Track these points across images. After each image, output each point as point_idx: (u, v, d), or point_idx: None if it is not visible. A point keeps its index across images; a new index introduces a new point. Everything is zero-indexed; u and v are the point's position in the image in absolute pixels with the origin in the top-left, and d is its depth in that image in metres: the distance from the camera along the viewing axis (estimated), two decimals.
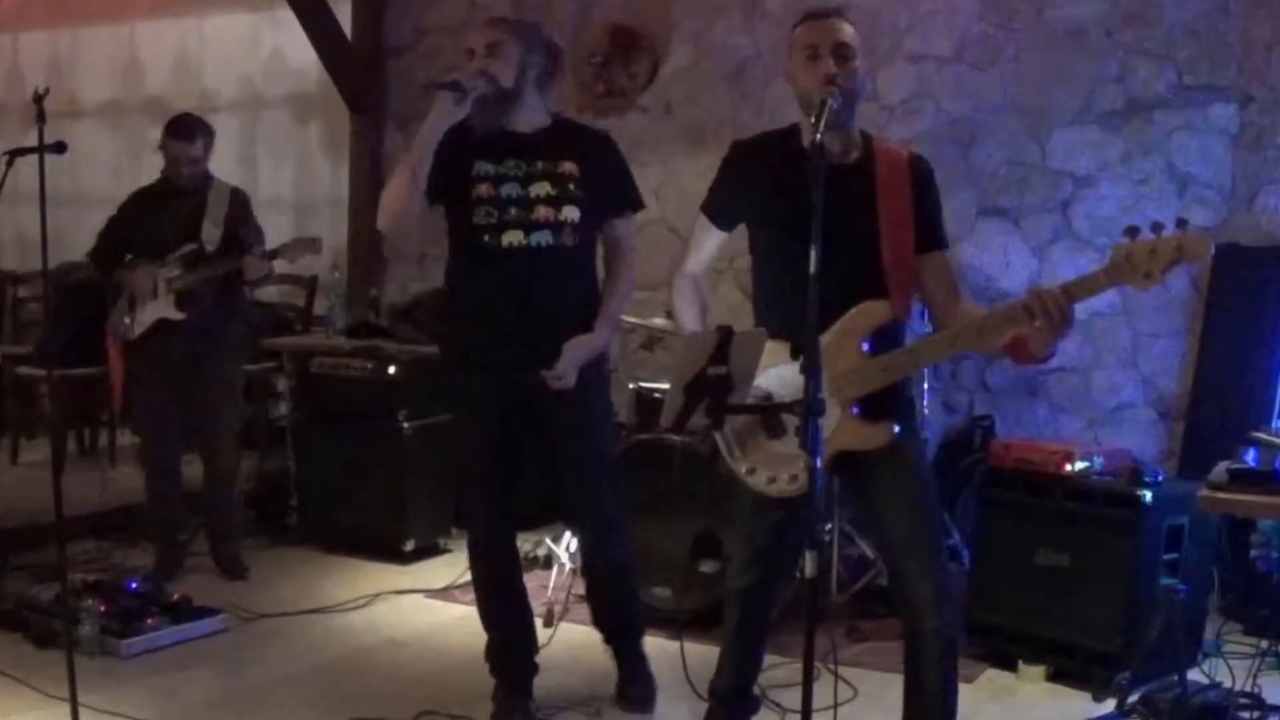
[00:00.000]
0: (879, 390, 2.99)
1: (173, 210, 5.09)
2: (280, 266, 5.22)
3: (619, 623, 4.07)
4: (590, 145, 3.77)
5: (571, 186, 3.66)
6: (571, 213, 3.65)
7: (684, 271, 3.32)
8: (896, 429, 3.00)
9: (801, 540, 2.90)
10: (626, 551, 3.99)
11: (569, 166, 3.66)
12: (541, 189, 3.64)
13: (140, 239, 5.11)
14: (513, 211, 3.63)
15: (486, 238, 3.63)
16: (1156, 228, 2.66)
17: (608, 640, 4.11)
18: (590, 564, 4.06)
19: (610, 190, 3.75)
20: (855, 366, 3.00)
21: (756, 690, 3.46)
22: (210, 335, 5.11)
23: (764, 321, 3.15)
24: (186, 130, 5.11)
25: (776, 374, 3.03)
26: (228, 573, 5.24)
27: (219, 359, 5.19)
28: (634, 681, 4.03)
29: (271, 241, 5.21)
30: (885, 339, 3.03)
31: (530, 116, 3.71)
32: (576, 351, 3.65)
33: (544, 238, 3.63)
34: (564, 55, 3.91)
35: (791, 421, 2.95)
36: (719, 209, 3.25)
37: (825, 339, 2.97)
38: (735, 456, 3.13)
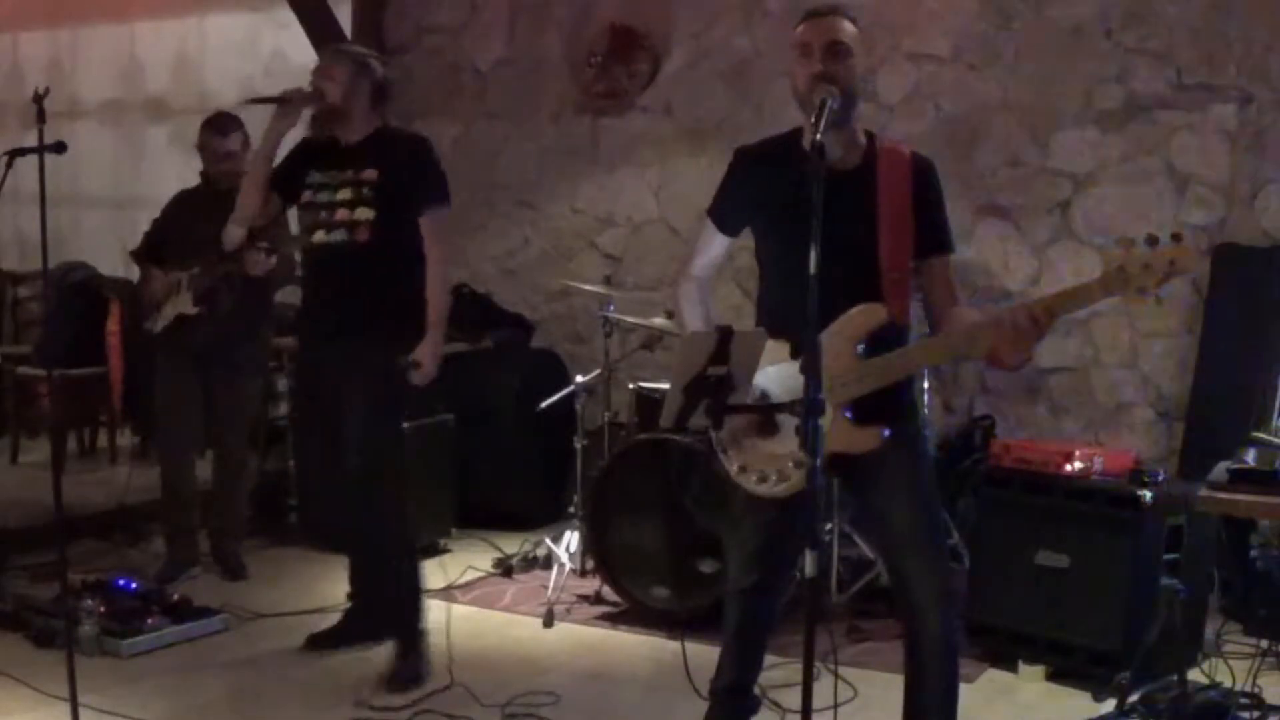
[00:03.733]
0: (874, 393, 2.99)
1: (206, 213, 5.10)
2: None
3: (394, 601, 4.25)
4: (395, 150, 4.16)
5: (365, 190, 4.08)
6: (365, 213, 4.06)
7: (689, 274, 3.31)
8: (886, 433, 2.98)
9: (800, 540, 2.90)
10: (402, 529, 4.29)
11: (370, 173, 4.09)
12: (344, 194, 4.11)
13: (176, 240, 5.20)
14: (322, 214, 4.14)
15: (311, 236, 4.17)
16: (1151, 240, 2.67)
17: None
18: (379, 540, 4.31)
19: (412, 188, 4.12)
20: (849, 368, 2.99)
21: (756, 690, 3.46)
22: (235, 337, 5.15)
23: (766, 323, 3.15)
24: (220, 125, 5.21)
25: (773, 373, 3.02)
26: (228, 572, 5.25)
27: (242, 362, 5.24)
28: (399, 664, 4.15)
29: None
30: (882, 341, 3.02)
31: (359, 128, 4.16)
32: (423, 359, 4.09)
33: (338, 235, 4.10)
34: (378, 68, 4.24)
35: (787, 421, 2.95)
36: (724, 214, 3.25)
37: (820, 340, 2.96)
38: (727, 455, 3.13)
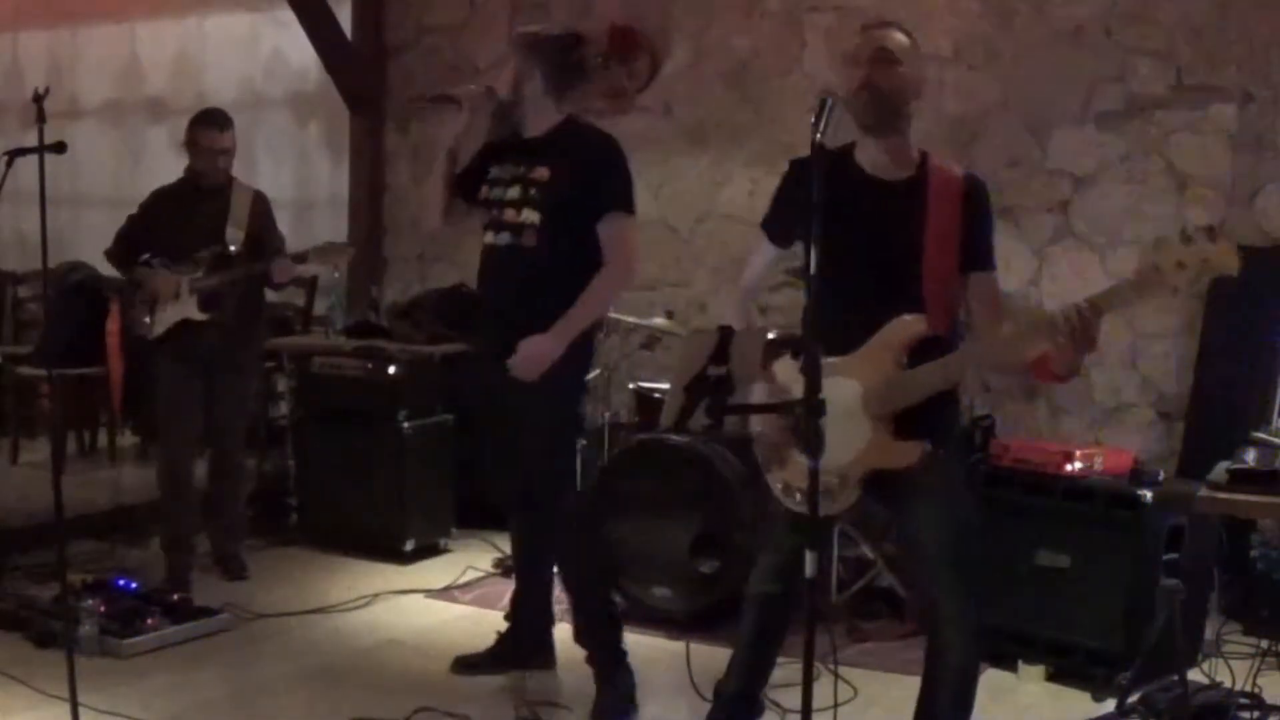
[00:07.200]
0: (914, 407, 2.95)
1: (196, 211, 5.07)
2: (307, 270, 5.20)
3: (581, 628, 3.97)
4: (575, 148, 3.80)
5: (533, 190, 3.76)
6: (530, 215, 3.74)
7: (739, 285, 3.36)
8: (928, 446, 2.96)
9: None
10: (582, 555, 3.95)
11: (541, 171, 3.76)
12: (513, 192, 3.80)
13: (162, 239, 5.07)
14: (494, 212, 3.85)
15: (484, 235, 3.89)
16: (1185, 239, 2.65)
17: (578, 642, 4.00)
18: (558, 565, 4.06)
19: (587, 192, 3.75)
20: (890, 380, 2.95)
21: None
22: (236, 338, 5.10)
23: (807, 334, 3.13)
24: (220, 119, 5.09)
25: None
26: (228, 572, 5.24)
27: (242, 363, 5.21)
28: (601, 696, 3.88)
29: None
30: (924, 354, 2.97)
31: (538, 120, 3.82)
32: (525, 351, 3.73)
33: (504, 238, 3.79)
34: (580, 48, 3.91)
35: (830, 437, 2.92)
36: (775, 227, 3.24)
37: (862, 352, 2.97)
38: (772, 472, 3.12)
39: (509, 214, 3.78)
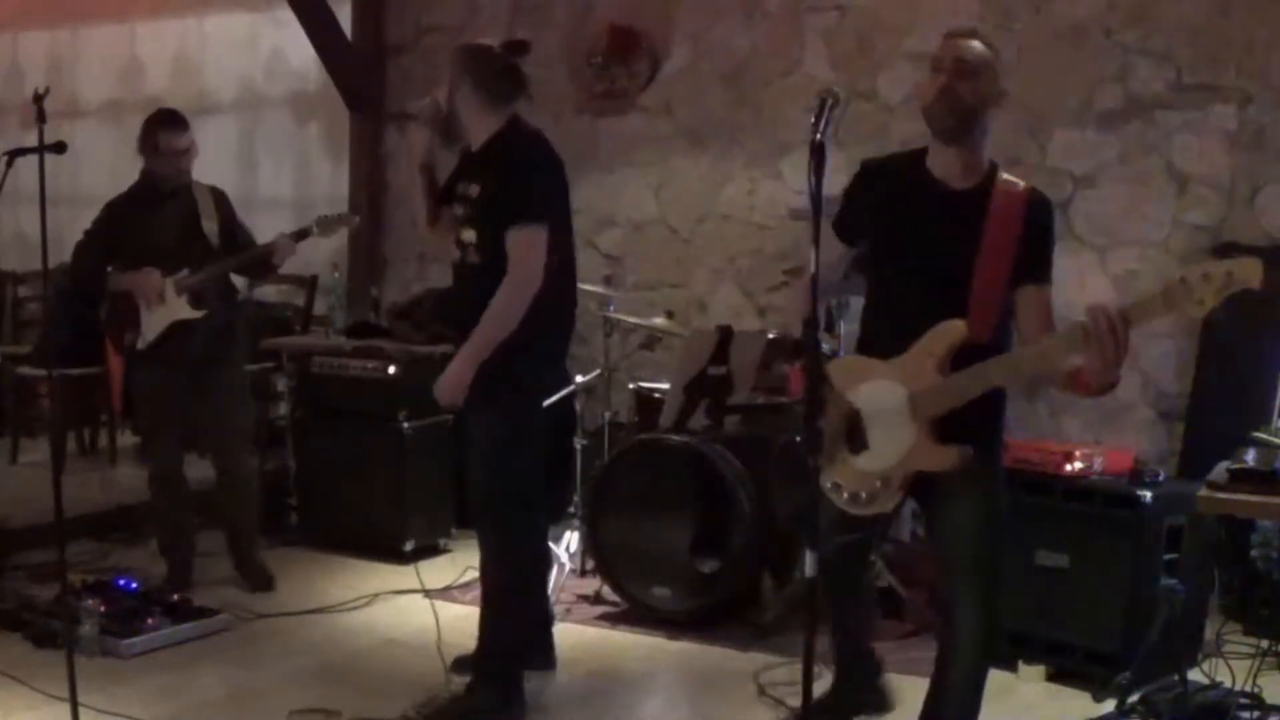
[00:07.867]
0: (957, 413, 2.97)
1: (161, 213, 4.95)
2: (304, 247, 5.12)
3: (481, 639, 3.94)
4: (499, 159, 3.76)
5: (470, 209, 3.77)
6: (469, 234, 3.76)
7: (803, 275, 3.34)
8: (969, 451, 2.97)
9: (866, 542, 2.94)
10: (501, 576, 3.91)
11: (474, 188, 3.77)
12: (460, 210, 3.83)
13: (132, 246, 4.95)
14: (455, 231, 3.86)
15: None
16: (1218, 254, 2.68)
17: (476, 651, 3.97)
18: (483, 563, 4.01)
19: (498, 204, 3.70)
20: (931, 386, 2.98)
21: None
22: (224, 333, 5.04)
23: (864, 337, 3.18)
24: (179, 121, 4.97)
25: (868, 389, 3.04)
26: (253, 586, 5.08)
27: (233, 359, 5.15)
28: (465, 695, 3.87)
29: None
30: (967, 361, 2.98)
31: (477, 131, 3.82)
32: (442, 378, 3.76)
33: (457, 255, 3.82)
34: (511, 57, 3.85)
35: (879, 438, 2.99)
36: (846, 225, 3.24)
37: (906, 356, 3.00)
38: (823, 470, 3.13)
39: (459, 232, 3.81)
